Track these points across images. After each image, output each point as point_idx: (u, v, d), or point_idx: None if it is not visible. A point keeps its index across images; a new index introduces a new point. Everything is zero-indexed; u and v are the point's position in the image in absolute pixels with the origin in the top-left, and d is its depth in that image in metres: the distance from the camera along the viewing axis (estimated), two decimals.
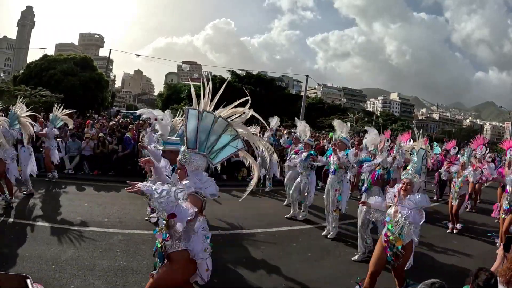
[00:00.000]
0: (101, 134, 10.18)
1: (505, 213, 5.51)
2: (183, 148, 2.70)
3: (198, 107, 2.65)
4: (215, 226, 6.09)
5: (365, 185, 5.33)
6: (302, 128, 7.65)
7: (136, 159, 8.89)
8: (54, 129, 8.11)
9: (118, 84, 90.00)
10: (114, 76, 73.89)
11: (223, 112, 2.70)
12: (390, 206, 3.73)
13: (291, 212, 6.91)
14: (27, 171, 6.95)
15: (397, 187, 3.71)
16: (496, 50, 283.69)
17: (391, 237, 3.54)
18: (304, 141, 6.98)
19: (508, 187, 5.66)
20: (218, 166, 3.02)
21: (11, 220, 5.48)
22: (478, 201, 9.56)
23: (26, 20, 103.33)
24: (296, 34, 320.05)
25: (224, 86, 2.84)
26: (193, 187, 2.50)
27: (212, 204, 7.65)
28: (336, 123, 6.51)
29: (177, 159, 2.68)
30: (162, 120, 4.65)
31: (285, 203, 7.86)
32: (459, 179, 6.74)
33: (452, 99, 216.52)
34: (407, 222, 3.45)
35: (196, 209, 2.38)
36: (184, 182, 2.55)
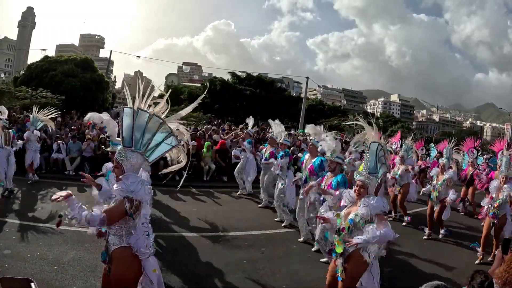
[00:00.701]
0: (102, 136, 10.20)
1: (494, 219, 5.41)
2: (119, 147, 2.73)
3: (137, 106, 2.67)
4: (216, 227, 6.12)
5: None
6: (278, 129, 7.57)
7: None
8: (35, 131, 8.03)
9: (118, 85, 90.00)
10: (115, 77, 73.90)
11: (156, 108, 2.72)
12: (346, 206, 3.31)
13: (279, 216, 6.75)
14: (2, 172, 6.80)
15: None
16: (496, 51, 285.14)
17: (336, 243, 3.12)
18: (280, 141, 6.96)
19: (492, 194, 5.43)
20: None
21: (12, 221, 5.50)
22: (467, 204, 8.87)
23: (27, 21, 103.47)
24: (296, 36, 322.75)
25: (169, 92, 2.97)
26: (123, 194, 2.52)
27: (213, 205, 7.70)
28: (308, 128, 6.16)
29: (114, 157, 2.69)
30: (112, 125, 4.66)
31: (260, 205, 7.74)
32: (439, 183, 6.20)
33: (452, 100, 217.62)
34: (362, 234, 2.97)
35: (105, 216, 2.43)
36: (115, 187, 2.60)
